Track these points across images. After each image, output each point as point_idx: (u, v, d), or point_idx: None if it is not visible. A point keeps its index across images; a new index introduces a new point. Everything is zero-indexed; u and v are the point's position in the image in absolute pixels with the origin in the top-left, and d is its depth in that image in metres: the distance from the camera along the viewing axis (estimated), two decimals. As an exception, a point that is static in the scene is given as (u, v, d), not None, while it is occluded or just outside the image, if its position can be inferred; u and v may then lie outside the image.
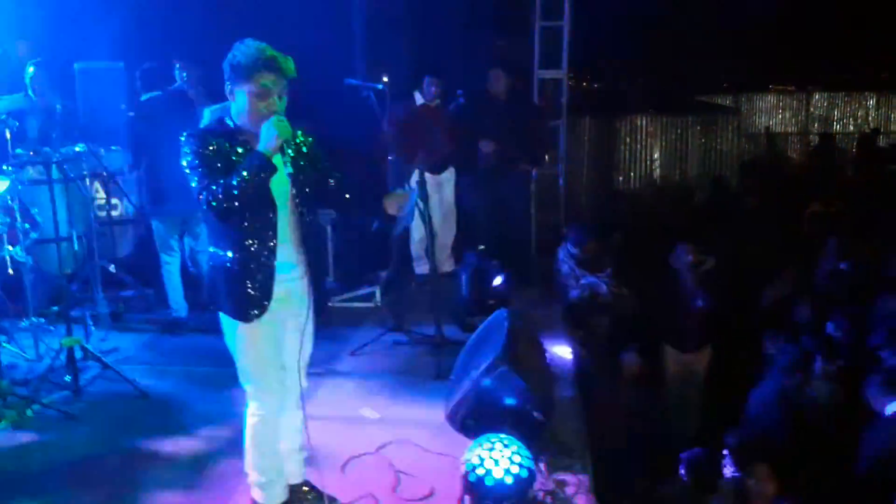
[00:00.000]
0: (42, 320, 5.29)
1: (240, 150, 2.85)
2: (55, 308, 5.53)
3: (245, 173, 2.72)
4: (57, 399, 4.39)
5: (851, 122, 16.26)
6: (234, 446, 3.92)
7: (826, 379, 5.23)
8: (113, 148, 5.85)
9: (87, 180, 5.50)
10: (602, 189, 12.18)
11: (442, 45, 7.41)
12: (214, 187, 2.73)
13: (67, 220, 4.87)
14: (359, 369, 4.89)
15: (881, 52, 17.02)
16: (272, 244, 2.92)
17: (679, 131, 13.07)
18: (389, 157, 5.27)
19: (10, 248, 4.83)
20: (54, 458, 3.86)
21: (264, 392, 3.03)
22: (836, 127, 16.19)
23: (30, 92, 5.51)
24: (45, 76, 5.65)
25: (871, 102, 16.18)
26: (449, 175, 6.65)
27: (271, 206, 2.89)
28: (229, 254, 2.91)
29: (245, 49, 2.81)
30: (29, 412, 4.20)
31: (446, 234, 6.71)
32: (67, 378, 4.48)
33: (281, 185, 2.89)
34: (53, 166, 4.66)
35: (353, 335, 5.32)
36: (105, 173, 5.54)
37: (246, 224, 2.86)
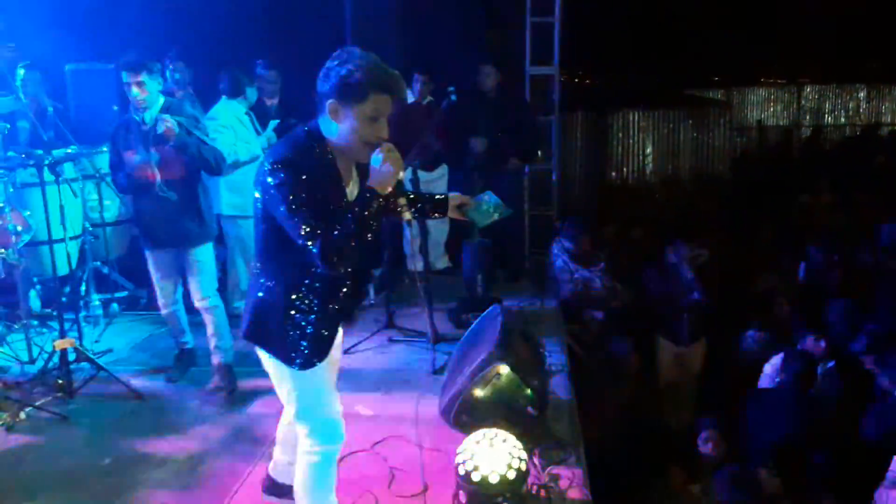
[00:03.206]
0: (35, 322, 5.30)
1: (336, 178, 2.56)
2: (48, 310, 5.54)
3: (362, 215, 2.41)
4: (50, 401, 4.38)
5: (843, 114, 16.34)
6: (229, 446, 3.95)
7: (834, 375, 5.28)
8: (104, 149, 5.83)
9: (80, 182, 5.48)
10: (595, 184, 12.21)
11: (433, 41, 7.41)
12: (327, 233, 2.40)
13: (60, 222, 4.85)
14: (353, 367, 4.89)
15: (871, 44, 17.08)
16: (345, 283, 2.73)
17: (671, 126, 13.11)
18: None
19: (3, 250, 4.82)
20: (48, 461, 3.86)
21: (330, 422, 2.81)
22: (828, 119, 16.27)
23: (20, 94, 5.49)
24: (36, 78, 5.64)
25: (862, 94, 16.26)
26: (441, 172, 6.66)
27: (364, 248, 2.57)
28: (295, 290, 2.63)
29: (364, 65, 2.43)
30: (22, 415, 4.20)
31: (439, 231, 6.72)
32: (60, 380, 4.47)
33: None
34: (45, 168, 4.65)
35: (348, 333, 5.31)
36: (97, 175, 5.53)
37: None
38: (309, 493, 2.88)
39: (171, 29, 6.89)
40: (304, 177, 2.43)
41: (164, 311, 4.72)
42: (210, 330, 4.53)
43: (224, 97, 5.54)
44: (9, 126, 5.23)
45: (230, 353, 4.53)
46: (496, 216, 3.13)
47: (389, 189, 2.48)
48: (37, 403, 4.30)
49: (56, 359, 4.49)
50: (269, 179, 2.45)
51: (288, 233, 2.47)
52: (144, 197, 4.42)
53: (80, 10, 6.86)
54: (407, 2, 7.38)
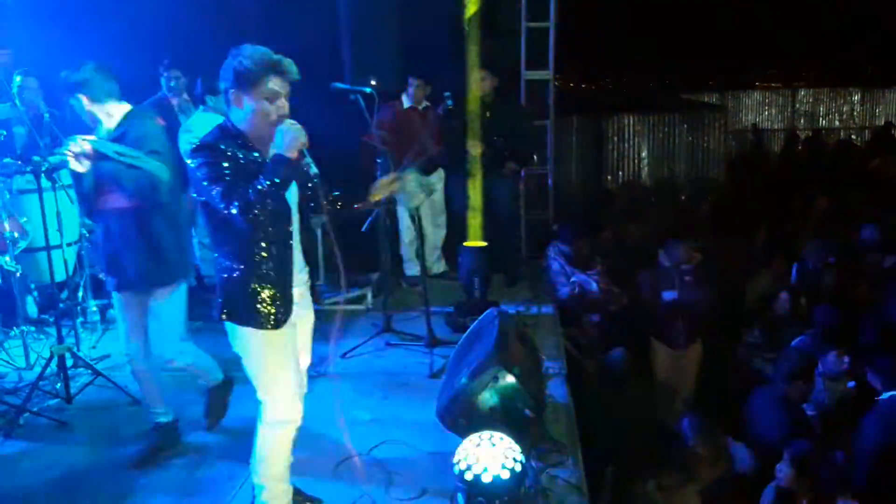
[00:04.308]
0: (32, 328, 5.29)
1: (253, 156, 2.84)
2: (45, 316, 5.54)
3: (273, 176, 2.71)
4: (48, 407, 4.39)
5: (837, 117, 16.39)
6: (227, 450, 3.95)
7: (837, 377, 5.28)
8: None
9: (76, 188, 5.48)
10: (591, 188, 12.23)
11: (430, 47, 7.43)
12: (243, 193, 2.69)
13: (57, 229, 4.86)
14: (350, 371, 4.91)
15: (865, 48, 17.17)
16: (290, 249, 2.98)
17: (666, 130, 13.12)
18: (378, 160, 5.30)
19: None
20: (46, 467, 3.86)
21: (286, 399, 3.04)
22: (822, 122, 16.33)
23: (17, 101, 5.49)
24: (33, 85, 5.64)
25: (856, 98, 16.32)
26: (438, 176, 6.68)
27: (288, 210, 2.94)
28: (250, 262, 2.89)
29: (251, 54, 2.79)
30: (20, 421, 4.20)
31: (436, 235, 6.74)
32: (58, 386, 4.48)
33: (291, 190, 2.94)
34: (42, 175, 4.65)
35: (345, 337, 5.33)
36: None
37: (269, 230, 2.86)
38: (263, 465, 3.10)
39: (170, 35, 6.91)
40: (218, 154, 2.77)
41: (132, 367, 3.89)
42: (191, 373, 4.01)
43: (201, 107, 5.53)
44: (5, 133, 5.25)
45: (219, 377, 4.14)
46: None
47: (295, 154, 2.77)
48: (34, 409, 4.30)
49: (54, 365, 4.49)
50: (191, 163, 2.81)
51: (213, 206, 2.78)
52: (97, 224, 3.77)
53: (76, 16, 6.87)
54: (403, 7, 7.40)
